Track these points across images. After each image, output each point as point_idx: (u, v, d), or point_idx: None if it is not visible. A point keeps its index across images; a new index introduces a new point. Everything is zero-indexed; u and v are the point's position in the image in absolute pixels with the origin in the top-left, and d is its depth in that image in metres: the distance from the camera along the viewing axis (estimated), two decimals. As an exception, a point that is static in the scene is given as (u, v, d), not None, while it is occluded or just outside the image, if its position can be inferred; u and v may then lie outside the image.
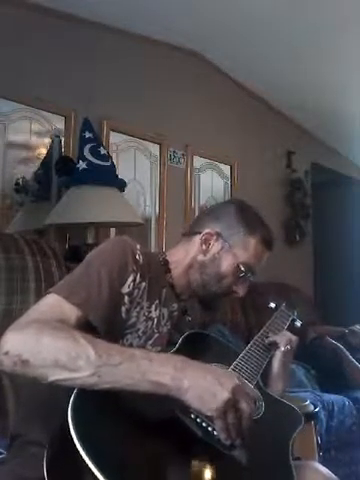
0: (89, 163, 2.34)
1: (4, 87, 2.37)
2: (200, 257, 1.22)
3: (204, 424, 0.95)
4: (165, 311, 1.17)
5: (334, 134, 4.23)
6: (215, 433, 0.93)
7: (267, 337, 1.32)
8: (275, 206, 3.84)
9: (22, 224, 2.44)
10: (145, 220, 2.96)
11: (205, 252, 1.21)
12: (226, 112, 3.54)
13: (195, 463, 0.91)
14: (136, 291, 1.10)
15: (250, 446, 0.94)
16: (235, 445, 0.93)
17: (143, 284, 1.12)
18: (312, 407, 1.90)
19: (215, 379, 0.91)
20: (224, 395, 0.90)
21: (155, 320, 1.14)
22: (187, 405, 0.90)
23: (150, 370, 0.89)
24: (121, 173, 2.54)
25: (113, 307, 1.05)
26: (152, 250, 2.90)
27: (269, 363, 1.30)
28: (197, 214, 3.25)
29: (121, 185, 2.47)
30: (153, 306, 1.14)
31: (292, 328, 1.42)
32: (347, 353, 2.88)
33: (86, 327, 0.98)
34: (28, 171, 2.50)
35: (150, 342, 1.13)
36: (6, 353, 0.89)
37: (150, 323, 1.13)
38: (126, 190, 2.53)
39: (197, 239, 1.23)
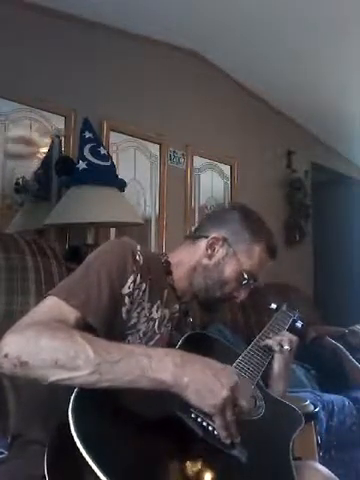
0: (89, 163, 2.34)
1: (4, 87, 2.37)
2: (205, 261, 1.22)
3: (204, 423, 0.95)
4: (167, 312, 1.17)
5: (334, 134, 4.23)
6: (215, 433, 0.93)
7: (268, 338, 1.32)
8: (275, 206, 3.83)
9: (22, 224, 2.43)
10: (145, 220, 2.96)
11: (210, 256, 1.22)
12: (226, 112, 3.54)
13: (195, 462, 0.90)
14: (137, 292, 1.10)
15: (250, 446, 0.94)
16: (235, 444, 0.93)
17: (144, 285, 1.12)
18: (312, 407, 1.90)
19: (214, 375, 0.91)
20: (223, 392, 0.90)
21: (156, 321, 1.14)
22: (186, 401, 0.91)
23: (149, 367, 0.89)
24: (121, 173, 2.54)
25: (113, 308, 1.05)
26: (152, 250, 2.90)
27: (270, 364, 1.30)
28: (198, 216, 3.28)
29: (121, 185, 2.47)
30: (155, 307, 1.14)
31: (293, 329, 1.42)
32: (347, 353, 2.88)
33: (86, 329, 0.98)
34: (28, 171, 2.50)
35: (151, 343, 1.12)
36: (5, 355, 0.89)
37: (151, 324, 1.13)
38: (126, 190, 2.53)
39: (202, 243, 1.23)
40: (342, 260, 4.53)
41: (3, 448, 1.18)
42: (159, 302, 1.16)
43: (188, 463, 0.89)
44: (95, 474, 0.77)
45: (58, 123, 2.65)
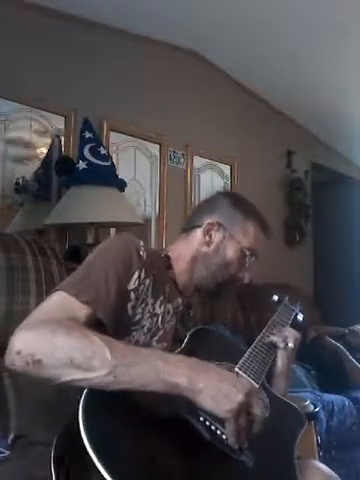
0: (89, 163, 2.34)
1: (4, 87, 2.37)
2: (204, 249, 1.24)
3: (213, 427, 0.94)
4: (170, 307, 1.18)
5: (334, 134, 4.23)
6: (224, 437, 0.93)
7: (272, 334, 1.32)
8: (275, 206, 3.83)
9: (22, 224, 2.43)
10: (145, 220, 2.96)
11: (208, 243, 1.23)
12: (226, 112, 3.54)
13: (201, 467, 0.90)
14: (141, 287, 1.11)
15: (256, 447, 0.94)
16: (242, 449, 0.92)
17: (147, 280, 1.12)
18: (312, 407, 1.90)
19: (230, 382, 0.91)
20: (239, 397, 0.89)
21: (160, 317, 1.14)
22: (199, 406, 0.90)
23: (165, 370, 0.88)
24: (121, 173, 2.53)
25: (120, 304, 1.05)
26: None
27: (273, 361, 1.29)
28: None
29: (121, 185, 2.47)
30: (158, 302, 1.15)
31: (295, 323, 1.42)
32: (347, 353, 2.88)
33: (95, 325, 0.97)
34: (28, 171, 2.50)
35: (155, 338, 1.13)
36: (18, 352, 0.87)
37: (155, 319, 1.13)
38: (126, 190, 2.53)
39: (198, 232, 1.24)
40: (342, 260, 4.53)
41: (3, 448, 1.17)
42: (162, 297, 1.16)
43: (195, 467, 0.89)
44: (103, 477, 0.76)
45: (58, 123, 2.65)
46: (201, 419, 0.94)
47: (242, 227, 1.24)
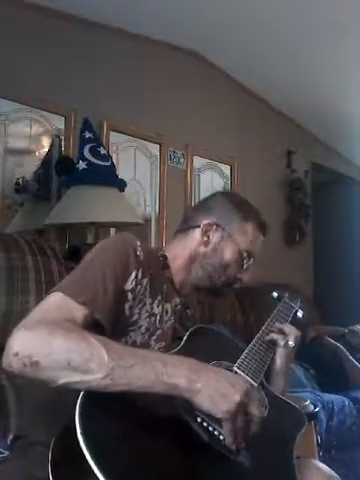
0: (89, 163, 2.34)
1: (4, 87, 2.37)
2: (202, 249, 1.23)
3: (210, 428, 0.94)
4: (168, 307, 1.18)
5: (334, 134, 4.23)
6: (221, 437, 0.93)
7: (272, 331, 1.30)
8: (275, 206, 3.83)
9: (22, 224, 2.43)
10: (145, 220, 2.96)
11: (206, 243, 1.23)
12: (226, 112, 3.54)
13: (199, 468, 0.90)
14: (139, 287, 1.10)
15: (255, 446, 0.94)
16: (240, 449, 0.92)
17: (145, 280, 1.12)
18: (312, 407, 1.90)
19: (228, 382, 0.91)
20: (236, 397, 0.89)
21: (158, 316, 1.14)
22: (196, 406, 0.90)
23: (164, 372, 0.88)
24: (121, 173, 2.54)
25: (117, 304, 1.05)
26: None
27: (272, 359, 1.28)
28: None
29: (121, 185, 2.47)
30: (156, 302, 1.14)
31: (295, 320, 1.40)
32: (347, 353, 2.88)
33: (92, 326, 0.97)
34: (28, 171, 2.50)
35: (153, 338, 1.12)
36: (16, 354, 0.86)
37: (153, 319, 1.13)
38: (126, 190, 2.53)
39: (195, 233, 1.24)
40: (342, 260, 4.53)
41: (3, 448, 1.17)
42: (160, 297, 1.16)
43: (192, 469, 0.89)
44: (97, 478, 0.76)
45: (58, 123, 2.65)
46: (198, 420, 0.93)
47: (240, 228, 1.24)
